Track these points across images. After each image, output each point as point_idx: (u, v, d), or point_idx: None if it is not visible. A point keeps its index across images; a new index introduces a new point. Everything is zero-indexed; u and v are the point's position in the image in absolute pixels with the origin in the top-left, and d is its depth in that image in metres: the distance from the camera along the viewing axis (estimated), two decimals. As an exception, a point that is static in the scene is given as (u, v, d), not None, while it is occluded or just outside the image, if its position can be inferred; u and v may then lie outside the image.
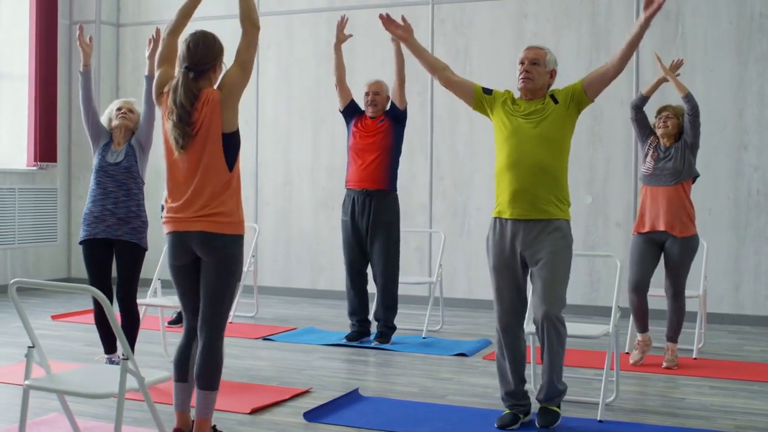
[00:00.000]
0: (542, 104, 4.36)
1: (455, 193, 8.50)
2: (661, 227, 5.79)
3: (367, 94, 6.49)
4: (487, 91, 4.51)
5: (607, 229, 7.88)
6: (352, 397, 4.87)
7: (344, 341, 6.51)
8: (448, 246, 8.37)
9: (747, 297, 7.56)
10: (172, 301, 5.61)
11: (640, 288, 5.87)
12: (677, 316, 5.85)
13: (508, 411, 4.47)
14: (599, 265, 7.86)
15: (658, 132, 5.93)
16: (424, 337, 6.76)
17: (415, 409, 4.71)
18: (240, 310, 7.82)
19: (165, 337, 5.96)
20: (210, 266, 3.72)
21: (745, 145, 7.54)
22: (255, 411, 4.60)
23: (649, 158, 5.91)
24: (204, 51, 3.73)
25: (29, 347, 3.44)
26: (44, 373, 3.50)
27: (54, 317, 7.44)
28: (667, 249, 5.83)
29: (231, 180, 3.73)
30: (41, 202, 9.26)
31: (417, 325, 7.12)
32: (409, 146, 8.43)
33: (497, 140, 4.46)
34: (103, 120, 5.30)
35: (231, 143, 3.72)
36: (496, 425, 4.40)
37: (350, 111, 6.57)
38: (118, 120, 5.25)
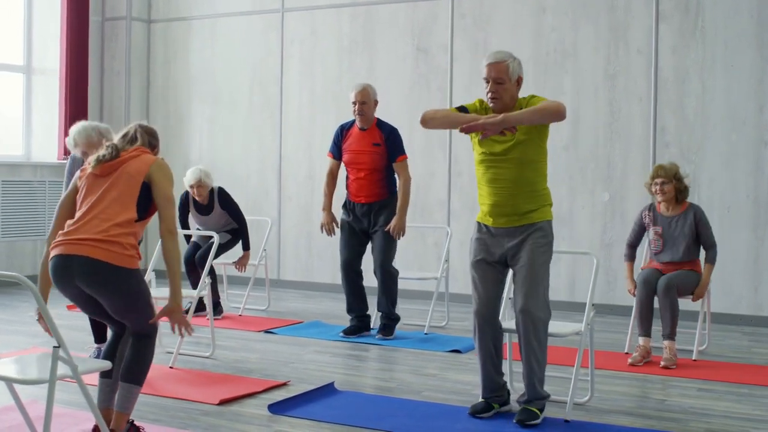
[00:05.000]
0: None
1: (473, 189, 8.35)
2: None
3: (354, 103, 6.46)
4: (462, 109, 4.51)
5: (624, 226, 7.71)
6: (324, 391, 4.86)
7: (342, 336, 6.52)
8: (465, 242, 8.31)
9: (766, 298, 7.33)
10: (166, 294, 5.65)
11: (648, 283, 5.82)
12: (671, 312, 5.71)
13: (482, 400, 4.50)
14: (616, 263, 7.71)
15: (657, 198, 5.88)
16: (425, 333, 6.73)
17: (385, 404, 4.69)
18: (252, 303, 7.89)
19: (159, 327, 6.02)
20: (106, 301, 3.66)
21: (766, 142, 7.30)
22: (223, 402, 4.63)
23: (652, 233, 5.91)
24: (154, 133, 4.03)
25: (-26, 334, 3.53)
26: (-10, 360, 3.58)
27: (69, 307, 7.58)
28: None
29: (138, 227, 3.71)
30: (71, 194, 9.44)
31: (424, 321, 7.07)
32: (428, 143, 8.41)
33: (474, 154, 4.56)
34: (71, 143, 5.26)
35: (147, 195, 3.74)
36: (468, 412, 4.46)
37: (338, 154, 6.57)
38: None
